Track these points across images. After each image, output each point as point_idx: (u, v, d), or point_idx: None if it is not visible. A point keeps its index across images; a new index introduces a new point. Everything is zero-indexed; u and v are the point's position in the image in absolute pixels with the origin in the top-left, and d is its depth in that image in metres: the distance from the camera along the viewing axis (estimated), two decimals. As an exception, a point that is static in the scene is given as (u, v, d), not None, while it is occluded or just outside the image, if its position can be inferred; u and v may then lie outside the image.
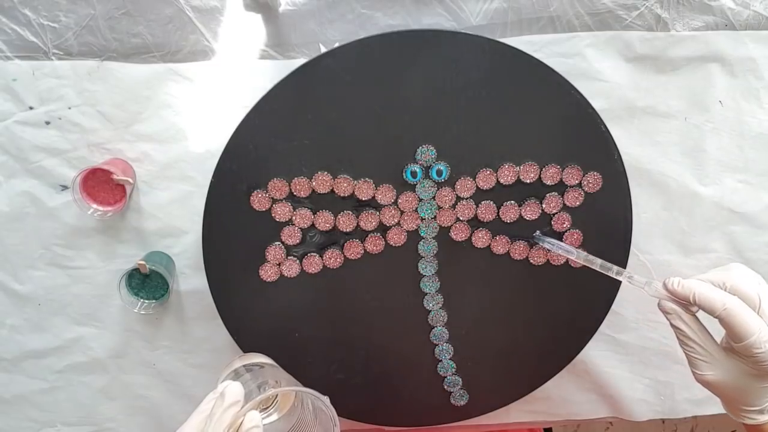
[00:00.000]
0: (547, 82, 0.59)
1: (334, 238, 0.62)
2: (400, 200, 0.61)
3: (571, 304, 0.66)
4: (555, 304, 0.66)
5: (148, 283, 0.65)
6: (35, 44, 0.60)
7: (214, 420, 0.40)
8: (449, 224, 0.63)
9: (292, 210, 0.61)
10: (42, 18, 0.59)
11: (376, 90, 0.59)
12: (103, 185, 0.62)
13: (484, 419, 0.71)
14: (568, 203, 0.62)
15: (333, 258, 0.62)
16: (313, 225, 0.61)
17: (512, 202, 0.62)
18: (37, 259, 0.66)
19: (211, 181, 0.59)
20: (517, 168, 0.61)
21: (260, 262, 0.62)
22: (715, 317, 0.44)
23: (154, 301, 0.65)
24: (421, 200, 0.62)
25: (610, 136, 0.61)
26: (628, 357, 0.73)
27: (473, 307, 0.65)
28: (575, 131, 0.61)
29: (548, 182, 0.62)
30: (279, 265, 0.62)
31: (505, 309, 0.66)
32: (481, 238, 0.63)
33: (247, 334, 0.64)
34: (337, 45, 0.60)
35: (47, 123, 0.62)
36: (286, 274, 0.62)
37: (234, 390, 0.41)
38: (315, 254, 0.62)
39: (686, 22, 0.63)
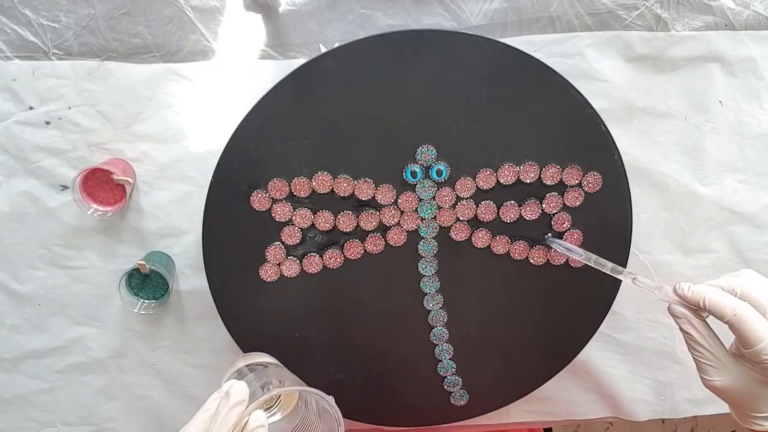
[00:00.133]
0: (547, 82, 0.59)
1: (334, 238, 0.62)
2: (400, 200, 0.61)
3: (571, 304, 0.66)
4: (555, 304, 0.66)
5: (148, 283, 0.65)
6: (35, 44, 0.60)
7: (219, 419, 0.40)
8: (449, 224, 0.63)
9: (292, 210, 0.61)
10: (42, 18, 0.59)
11: (376, 90, 0.59)
12: (103, 185, 0.62)
13: (484, 419, 0.71)
14: (568, 203, 0.62)
15: (333, 258, 0.62)
16: (313, 225, 0.61)
17: (512, 202, 0.62)
18: (37, 259, 0.66)
19: (211, 181, 0.59)
20: (517, 168, 0.61)
21: (260, 262, 0.62)
22: (725, 323, 0.44)
23: (154, 301, 0.65)
24: (421, 200, 0.62)
25: (610, 136, 0.61)
26: (628, 357, 0.73)
27: (473, 307, 0.65)
28: (575, 131, 0.61)
29: (548, 182, 0.62)
30: (279, 265, 0.62)
31: (505, 309, 0.66)
32: (481, 238, 0.63)
33: (247, 334, 0.64)
34: (337, 45, 0.60)
35: (47, 123, 0.62)
36: (286, 274, 0.62)
37: (239, 389, 0.41)
38: (315, 254, 0.62)
39: (686, 22, 0.63)
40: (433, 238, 0.63)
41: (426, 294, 0.65)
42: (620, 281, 0.63)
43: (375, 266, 0.63)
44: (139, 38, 0.61)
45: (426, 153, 0.60)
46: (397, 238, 0.63)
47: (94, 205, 0.62)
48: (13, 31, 0.60)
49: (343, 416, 0.46)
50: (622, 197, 0.63)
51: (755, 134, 0.67)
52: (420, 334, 0.66)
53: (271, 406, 0.51)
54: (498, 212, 0.62)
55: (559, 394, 0.74)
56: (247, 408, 0.40)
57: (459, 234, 0.63)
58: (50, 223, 0.65)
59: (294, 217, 0.61)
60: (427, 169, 0.61)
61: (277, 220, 0.61)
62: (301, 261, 0.62)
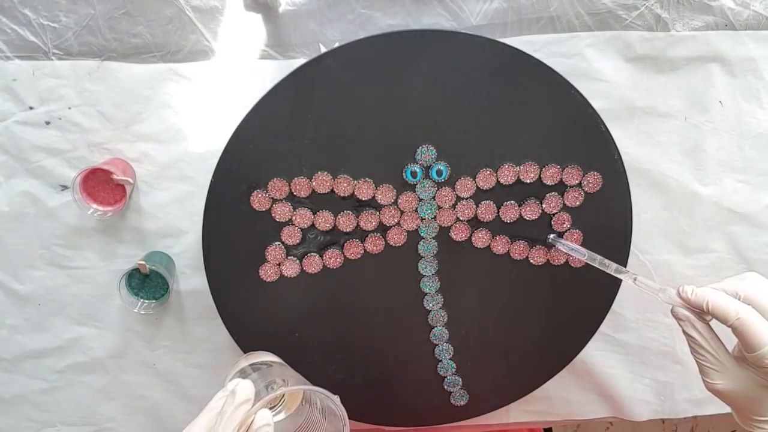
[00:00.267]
0: (547, 82, 0.59)
1: (334, 238, 0.62)
2: (400, 200, 0.61)
3: (571, 304, 0.66)
4: (555, 304, 0.66)
5: (148, 283, 0.65)
6: (35, 44, 0.60)
7: (225, 418, 0.40)
8: (449, 224, 0.63)
9: (292, 210, 0.61)
10: (42, 18, 0.59)
11: (376, 90, 0.59)
12: (103, 185, 0.62)
13: (484, 419, 0.71)
14: (568, 203, 0.62)
15: (333, 258, 0.62)
16: (313, 225, 0.61)
17: (512, 202, 0.62)
18: (37, 259, 0.66)
19: (211, 181, 0.59)
20: (517, 168, 0.61)
21: (260, 262, 0.62)
22: (729, 326, 0.44)
23: (154, 301, 0.65)
24: (421, 200, 0.62)
25: (610, 136, 0.61)
26: (628, 357, 0.73)
27: (473, 307, 0.65)
28: (575, 131, 0.61)
29: (548, 182, 0.62)
30: (279, 265, 0.62)
31: (505, 309, 0.66)
32: (481, 238, 0.63)
33: (247, 334, 0.64)
34: (337, 45, 0.60)
35: (47, 123, 0.62)
36: (286, 274, 0.62)
37: (245, 388, 0.41)
38: (315, 254, 0.62)
39: (686, 22, 0.63)
40: (433, 238, 0.63)
41: (426, 294, 0.65)
42: (620, 281, 0.63)
43: (375, 266, 0.63)
44: (139, 38, 0.61)
45: (426, 153, 0.60)
46: (397, 238, 0.63)
47: (94, 205, 0.62)
48: (13, 31, 0.60)
49: (344, 416, 0.46)
50: (622, 197, 0.63)
51: (755, 134, 0.67)
52: (420, 334, 0.66)
53: (275, 406, 0.51)
54: (498, 212, 0.62)
55: (559, 394, 0.74)
56: (253, 407, 0.40)
57: (459, 234, 0.63)
58: (50, 223, 0.65)
59: (294, 217, 0.61)
60: (427, 169, 0.61)
61: (277, 220, 0.61)
62: (301, 261, 0.62)
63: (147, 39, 0.61)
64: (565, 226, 0.63)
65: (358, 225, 0.62)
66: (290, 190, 0.60)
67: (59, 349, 0.69)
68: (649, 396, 0.74)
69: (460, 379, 0.68)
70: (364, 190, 0.61)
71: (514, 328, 0.66)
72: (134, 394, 0.71)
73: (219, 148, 0.59)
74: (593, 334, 0.67)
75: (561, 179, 0.62)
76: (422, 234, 0.63)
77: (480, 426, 0.74)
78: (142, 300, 0.65)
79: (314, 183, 0.60)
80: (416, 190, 0.61)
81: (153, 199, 0.64)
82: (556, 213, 0.63)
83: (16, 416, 0.71)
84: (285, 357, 0.58)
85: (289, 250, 0.62)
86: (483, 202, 0.62)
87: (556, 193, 0.62)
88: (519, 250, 0.64)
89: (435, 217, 0.62)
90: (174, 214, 0.65)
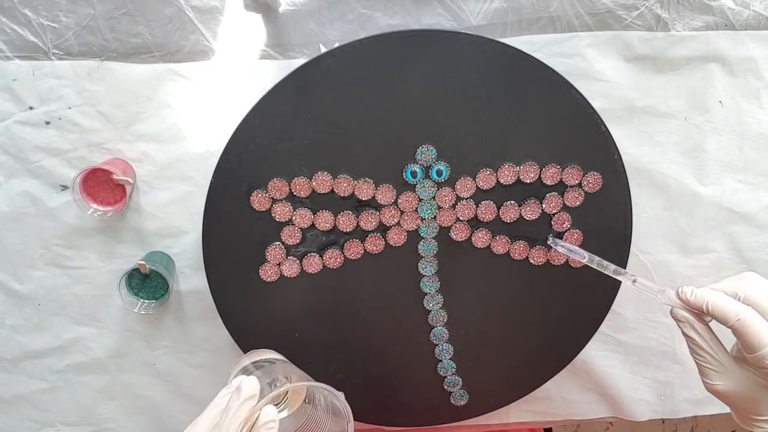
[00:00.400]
0: (547, 82, 0.59)
1: (334, 238, 0.62)
2: (400, 200, 0.61)
3: (571, 304, 0.66)
4: (555, 304, 0.66)
5: (148, 283, 0.65)
6: (35, 44, 0.60)
7: (231, 414, 0.40)
8: (449, 224, 0.63)
9: (292, 210, 0.61)
10: (42, 18, 0.59)
11: (376, 90, 0.59)
12: (103, 185, 0.62)
13: (484, 419, 0.71)
14: (568, 203, 0.62)
15: (333, 258, 0.62)
16: (313, 225, 0.61)
17: (512, 202, 0.62)
18: (37, 259, 0.66)
19: (211, 181, 0.59)
20: (517, 168, 0.61)
21: (260, 262, 0.62)
22: (728, 327, 0.44)
23: (154, 301, 0.65)
24: (421, 200, 0.62)
25: (610, 136, 0.61)
26: (628, 357, 0.73)
27: (473, 307, 0.65)
28: (575, 131, 0.61)
29: (548, 182, 0.62)
30: (279, 265, 0.62)
31: (505, 309, 0.66)
32: (481, 238, 0.63)
33: (246, 334, 0.64)
34: (337, 45, 0.60)
35: (47, 123, 0.62)
36: (286, 274, 0.62)
37: (250, 384, 0.41)
38: (315, 254, 0.62)
39: (686, 22, 0.63)
40: (433, 238, 0.63)
41: (426, 294, 0.65)
42: (620, 282, 0.63)
43: (375, 266, 0.63)
44: (139, 38, 0.61)
45: (426, 153, 0.60)
46: (397, 238, 0.63)
47: (94, 205, 0.62)
48: (13, 31, 0.60)
49: (345, 416, 0.46)
50: (622, 197, 0.63)
51: (755, 134, 0.67)
52: (420, 334, 0.66)
53: (278, 403, 0.51)
54: (498, 212, 0.62)
55: (559, 394, 0.74)
56: (258, 403, 0.40)
57: (459, 234, 0.63)
58: (50, 223, 0.65)
59: (294, 217, 0.61)
60: (427, 169, 0.61)
61: (277, 220, 0.61)
62: (301, 261, 0.62)
63: (147, 39, 0.61)
64: (565, 226, 0.63)
65: (358, 225, 0.62)
66: (290, 190, 0.60)
67: (59, 349, 0.69)
68: (649, 396, 0.74)
69: (460, 379, 0.68)
70: (364, 190, 0.61)
71: (514, 328, 0.66)
72: (134, 394, 0.71)
73: (219, 148, 0.59)
74: (593, 334, 0.67)
75: (561, 179, 0.62)
76: (422, 234, 0.63)
77: (480, 426, 0.74)
78: (142, 300, 0.65)
79: (314, 183, 0.60)
80: (416, 190, 0.61)
81: (153, 199, 0.64)
82: (556, 213, 0.63)
83: (16, 416, 0.71)
84: (285, 356, 0.58)
85: (289, 250, 0.62)
86: (483, 202, 0.62)
87: (556, 193, 0.62)
88: (519, 250, 0.64)
89: (435, 217, 0.62)
90: (174, 214, 0.65)
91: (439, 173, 0.61)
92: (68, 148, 0.63)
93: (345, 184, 0.60)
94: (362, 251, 0.63)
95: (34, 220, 0.65)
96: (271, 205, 0.60)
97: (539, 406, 0.74)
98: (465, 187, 0.61)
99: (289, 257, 0.62)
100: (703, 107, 0.66)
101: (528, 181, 0.61)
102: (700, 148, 0.67)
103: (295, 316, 0.64)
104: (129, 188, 0.62)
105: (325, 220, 0.61)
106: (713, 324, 0.47)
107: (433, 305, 0.65)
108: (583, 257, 0.58)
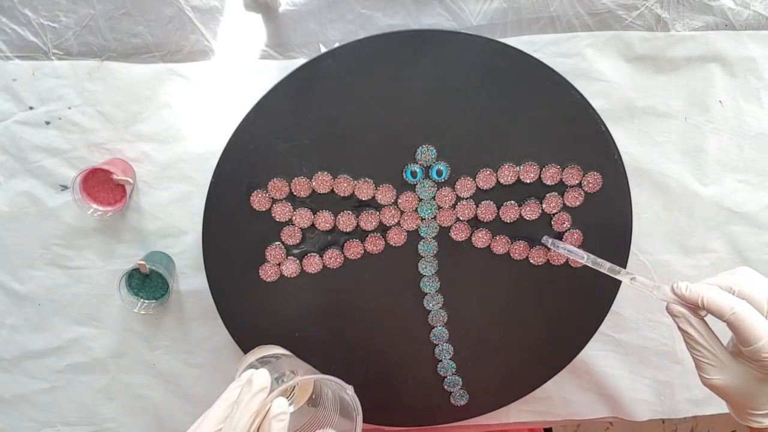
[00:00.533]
0: (547, 82, 0.59)
1: (334, 238, 0.62)
2: (400, 200, 0.61)
3: (571, 304, 0.66)
4: (555, 304, 0.66)
5: (148, 283, 0.65)
6: (35, 44, 0.60)
7: (242, 406, 0.40)
8: (449, 224, 0.63)
9: (292, 210, 0.61)
10: (42, 18, 0.59)
11: (376, 90, 0.59)
12: (103, 185, 0.62)
13: (484, 419, 0.71)
14: (568, 203, 0.62)
15: (333, 258, 0.62)
16: (313, 225, 0.61)
17: (512, 202, 0.62)
18: (37, 259, 0.66)
19: (211, 181, 0.59)
20: (517, 168, 0.61)
21: (260, 262, 0.62)
22: (724, 321, 0.44)
23: (154, 301, 0.65)
24: (421, 200, 0.62)
25: (610, 136, 0.61)
26: (628, 357, 0.73)
27: (473, 307, 0.65)
28: (575, 131, 0.61)
29: (548, 182, 0.62)
30: (279, 265, 0.62)
31: (505, 309, 0.66)
32: (481, 238, 0.63)
33: (246, 334, 0.64)
34: (337, 45, 0.60)
35: (47, 123, 0.62)
36: (286, 274, 0.62)
37: (262, 377, 0.41)
38: (315, 254, 0.62)
39: (686, 22, 0.63)
40: (433, 238, 0.63)
41: (426, 294, 0.65)
42: (620, 282, 0.63)
43: (375, 266, 0.63)
44: (139, 38, 0.61)
45: (426, 153, 0.60)
46: (397, 238, 0.63)
47: (94, 205, 0.62)
48: (13, 31, 0.60)
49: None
50: (622, 197, 0.63)
51: (755, 134, 0.67)
52: (420, 334, 0.66)
53: (286, 398, 0.51)
54: (498, 212, 0.62)
55: (559, 394, 0.74)
56: (269, 395, 0.40)
57: (459, 234, 0.63)
58: (50, 223, 0.65)
59: (294, 217, 0.61)
60: (427, 169, 0.61)
61: (277, 220, 0.61)
62: (301, 261, 0.62)
63: (147, 39, 0.61)
64: (565, 226, 0.63)
65: (358, 225, 0.62)
66: (290, 190, 0.60)
67: (59, 349, 0.69)
68: (649, 396, 0.74)
69: (460, 379, 0.68)
70: (364, 190, 0.61)
71: (514, 328, 0.66)
72: (134, 394, 0.71)
73: (219, 148, 0.59)
74: (593, 334, 0.67)
75: (561, 179, 0.62)
76: (422, 234, 0.63)
77: (480, 426, 0.74)
78: (142, 300, 0.65)
79: (314, 183, 0.60)
80: (416, 190, 0.61)
81: (153, 199, 0.64)
82: (556, 213, 0.63)
83: (16, 416, 0.71)
84: (285, 356, 0.58)
85: (289, 250, 0.62)
86: (483, 202, 0.62)
87: (556, 193, 0.62)
88: (519, 250, 0.64)
89: (435, 217, 0.62)
90: (174, 214, 0.65)
91: (439, 173, 0.61)
92: (68, 148, 0.63)
93: (345, 184, 0.60)
94: (362, 251, 0.63)
95: (34, 220, 0.65)
96: (271, 205, 0.60)
97: (539, 406, 0.74)
98: (465, 187, 0.61)
99: (289, 257, 0.62)
100: (703, 107, 0.66)
101: (528, 181, 0.61)
102: (700, 148, 0.67)
103: (295, 316, 0.64)
104: (129, 188, 0.62)
105: (325, 220, 0.61)
106: (708, 319, 0.47)
107: (433, 305, 0.65)
108: (582, 257, 0.58)
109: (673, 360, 0.73)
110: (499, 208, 0.62)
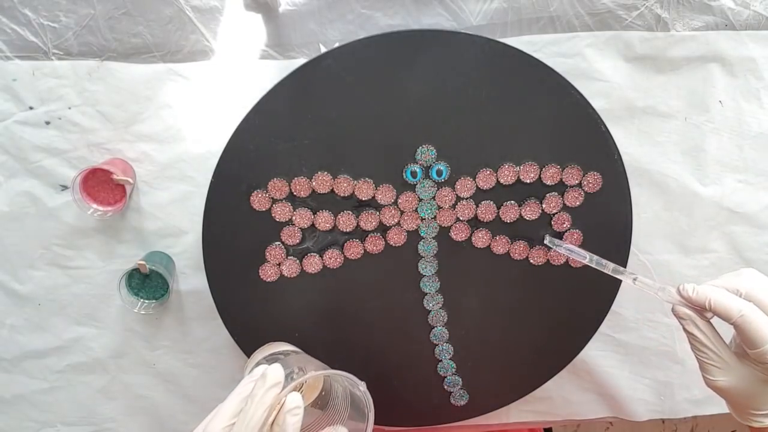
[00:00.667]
0: (547, 82, 0.59)
1: (334, 238, 0.62)
2: (400, 200, 0.61)
3: (571, 304, 0.66)
4: (555, 304, 0.66)
5: (148, 283, 0.65)
6: (35, 44, 0.60)
7: (256, 400, 0.40)
8: (449, 224, 0.63)
9: (292, 210, 0.61)
10: (42, 18, 0.59)
11: (376, 90, 0.59)
12: (103, 185, 0.62)
13: (484, 419, 0.71)
14: (568, 203, 0.62)
15: (333, 258, 0.62)
16: (313, 225, 0.61)
17: (512, 202, 0.62)
18: (37, 259, 0.66)
19: (211, 181, 0.59)
20: (517, 168, 0.61)
21: (260, 262, 0.62)
22: (731, 324, 0.44)
23: (154, 301, 0.65)
24: (421, 200, 0.62)
25: (610, 136, 0.61)
26: (628, 357, 0.73)
27: (473, 307, 0.65)
28: (575, 131, 0.61)
29: (548, 182, 0.62)
30: (279, 265, 0.62)
31: (505, 309, 0.66)
32: (481, 238, 0.63)
33: (246, 334, 0.64)
34: (337, 45, 0.60)
35: (47, 123, 0.62)
36: (286, 274, 0.62)
37: (276, 372, 0.41)
38: (315, 254, 0.62)
39: (686, 22, 0.63)
40: (433, 238, 0.63)
41: (426, 294, 0.65)
42: (620, 281, 0.63)
43: (375, 266, 0.63)
44: (139, 38, 0.61)
45: (426, 153, 0.60)
46: (397, 238, 0.63)
47: (94, 205, 0.62)
48: (13, 31, 0.60)
49: (343, 416, 0.46)
50: (622, 197, 0.63)
51: (755, 134, 0.67)
52: (420, 334, 0.66)
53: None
54: (498, 212, 0.62)
55: (559, 394, 0.74)
56: (283, 390, 0.40)
57: (459, 234, 0.63)
58: (50, 223, 0.65)
59: (294, 217, 0.61)
60: (427, 169, 0.61)
61: (277, 220, 0.61)
62: (301, 261, 0.62)
63: (147, 39, 0.61)
64: (565, 226, 0.63)
65: (358, 225, 0.62)
66: (290, 190, 0.60)
67: (59, 349, 0.69)
68: (649, 396, 0.74)
69: (460, 379, 0.68)
70: (364, 190, 0.61)
71: (514, 328, 0.66)
72: (134, 394, 0.71)
73: (219, 148, 0.59)
74: (593, 334, 0.67)
75: (561, 179, 0.62)
76: (422, 234, 0.63)
77: (480, 426, 0.74)
78: (142, 300, 0.65)
79: (314, 183, 0.60)
80: (416, 190, 0.61)
81: (153, 199, 0.64)
82: (556, 213, 0.63)
83: (16, 416, 0.71)
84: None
85: (289, 250, 0.62)
86: (483, 202, 0.62)
87: (556, 193, 0.62)
88: (519, 250, 0.64)
89: (435, 217, 0.62)
90: (174, 214, 0.65)
91: (439, 173, 0.61)
92: (68, 148, 0.63)
93: (345, 184, 0.60)
94: (362, 251, 0.63)
95: (34, 220, 0.65)
96: (271, 205, 0.60)
97: (539, 406, 0.74)
98: (465, 187, 0.61)
99: (289, 257, 0.62)
100: (703, 107, 0.66)
101: (528, 181, 0.61)
102: (700, 148, 0.67)
103: (295, 316, 0.64)
104: (129, 188, 0.62)
105: (325, 220, 0.61)
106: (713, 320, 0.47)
107: (433, 305, 0.65)
108: (584, 257, 0.58)
109: (673, 360, 0.73)
110: (499, 208, 0.62)
